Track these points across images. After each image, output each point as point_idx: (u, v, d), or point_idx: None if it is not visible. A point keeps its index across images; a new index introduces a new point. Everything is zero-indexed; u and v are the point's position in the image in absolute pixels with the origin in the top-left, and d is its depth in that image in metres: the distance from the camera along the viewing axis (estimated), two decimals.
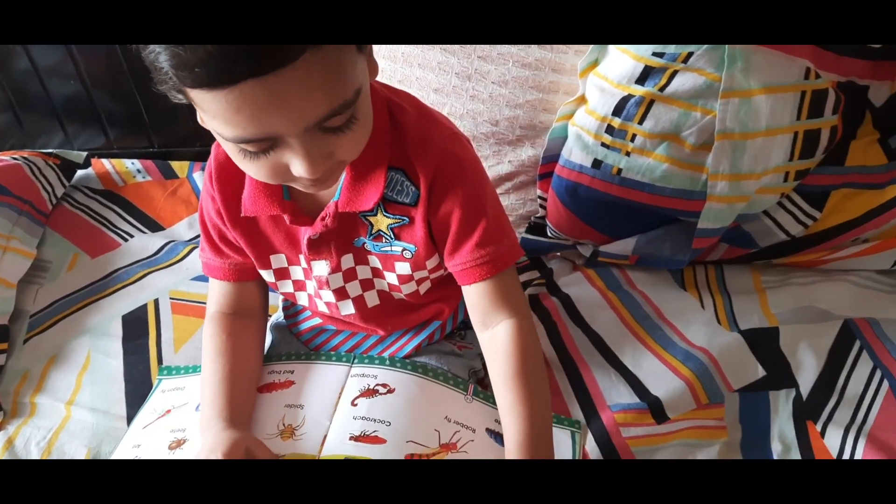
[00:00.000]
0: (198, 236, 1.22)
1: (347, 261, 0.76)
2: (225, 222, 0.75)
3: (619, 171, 0.95)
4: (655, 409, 0.84)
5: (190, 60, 0.49)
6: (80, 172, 1.35)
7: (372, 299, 0.81)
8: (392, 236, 0.73)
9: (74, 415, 0.91)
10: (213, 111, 0.53)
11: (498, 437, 0.77)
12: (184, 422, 0.81)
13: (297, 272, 0.79)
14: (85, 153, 1.35)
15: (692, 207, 0.95)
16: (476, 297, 0.74)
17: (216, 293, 0.83)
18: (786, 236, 1.00)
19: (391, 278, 0.77)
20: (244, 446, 0.69)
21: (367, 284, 0.79)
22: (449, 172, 0.69)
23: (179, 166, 1.37)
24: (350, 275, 0.77)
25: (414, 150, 0.69)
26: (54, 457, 0.86)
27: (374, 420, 0.74)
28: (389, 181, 0.70)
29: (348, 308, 0.80)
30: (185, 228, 1.25)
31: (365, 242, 0.75)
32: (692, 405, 0.85)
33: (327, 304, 0.80)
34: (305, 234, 0.73)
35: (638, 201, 0.97)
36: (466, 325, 0.93)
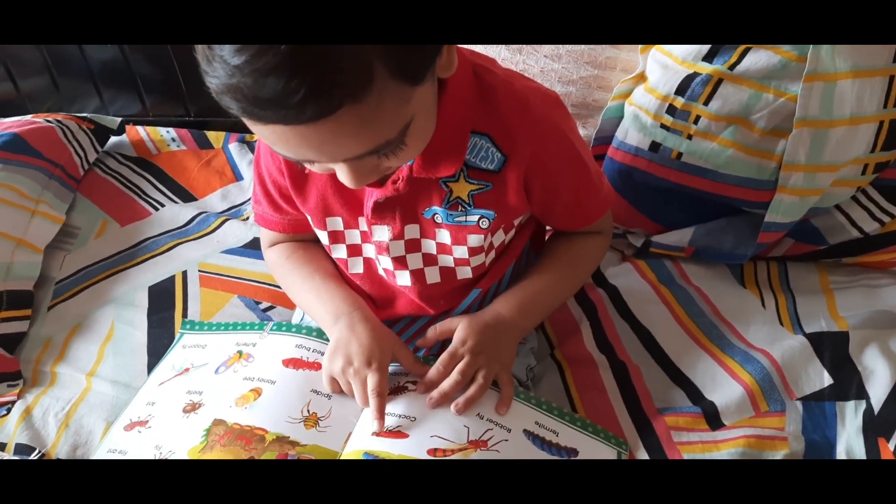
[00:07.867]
0: (231, 208, 1.20)
1: (412, 231, 0.74)
2: (286, 179, 0.74)
3: (680, 155, 0.90)
4: (710, 414, 0.78)
5: (227, 88, 0.48)
6: (113, 139, 1.32)
7: (433, 276, 0.78)
8: (471, 204, 0.71)
9: (95, 387, 0.89)
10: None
11: (537, 440, 0.72)
12: (201, 384, 0.78)
13: (353, 236, 0.77)
14: (119, 119, 1.32)
15: (758, 198, 0.89)
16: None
17: (272, 235, 0.85)
18: (858, 233, 0.93)
19: (460, 252, 0.75)
20: (392, 343, 0.74)
21: (429, 259, 0.77)
22: (549, 138, 0.69)
23: (215, 136, 1.34)
24: (413, 246, 0.75)
25: (509, 113, 0.67)
26: (72, 428, 0.84)
27: (399, 416, 0.71)
28: (472, 147, 0.68)
29: (405, 279, 0.77)
30: (217, 200, 1.22)
31: (436, 213, 0.72)
32: (750, 412, 0.79)
33: (385, 270, 0.78)
34: (372, 196, 0.70)
35: (698, 188, 0.92)
36: None
